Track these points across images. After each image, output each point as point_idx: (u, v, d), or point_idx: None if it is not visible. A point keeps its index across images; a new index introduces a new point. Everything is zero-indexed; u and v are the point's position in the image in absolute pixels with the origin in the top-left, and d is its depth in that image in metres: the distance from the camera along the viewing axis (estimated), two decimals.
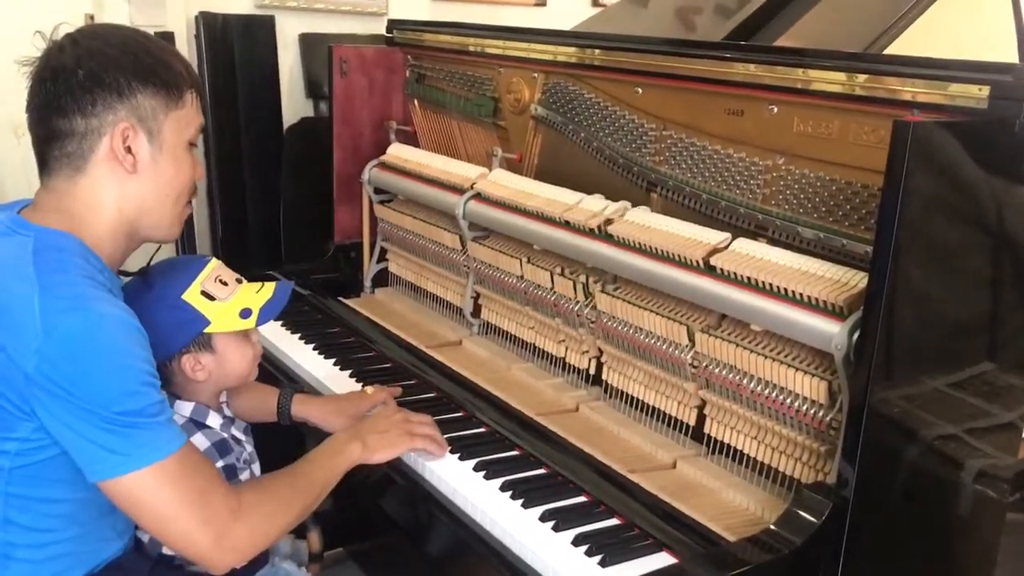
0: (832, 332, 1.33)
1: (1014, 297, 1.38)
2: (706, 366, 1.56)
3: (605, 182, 1.87)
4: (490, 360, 2.03)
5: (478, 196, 2.03)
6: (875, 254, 1.21)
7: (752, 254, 1.50)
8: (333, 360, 2.02)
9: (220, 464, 1.50)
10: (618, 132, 1.85)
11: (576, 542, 1.37)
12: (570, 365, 1.89)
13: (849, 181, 1.45)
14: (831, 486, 1.31)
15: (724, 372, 1.53)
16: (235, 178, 2.76)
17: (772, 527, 1.31)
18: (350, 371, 1.97)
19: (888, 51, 1.76)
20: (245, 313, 1.48)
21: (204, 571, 1.36)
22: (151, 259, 1.50)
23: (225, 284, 1.49)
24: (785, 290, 1.41)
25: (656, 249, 1.62)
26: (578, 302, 1.81)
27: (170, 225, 1.41)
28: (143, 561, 1.42)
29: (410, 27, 2.45)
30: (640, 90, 1.81)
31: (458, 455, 1.61)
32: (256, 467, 1.61)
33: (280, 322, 2.18)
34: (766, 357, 1.46)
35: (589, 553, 1.34)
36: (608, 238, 1.71)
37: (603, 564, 1.32)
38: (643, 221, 1.68)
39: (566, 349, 1.89)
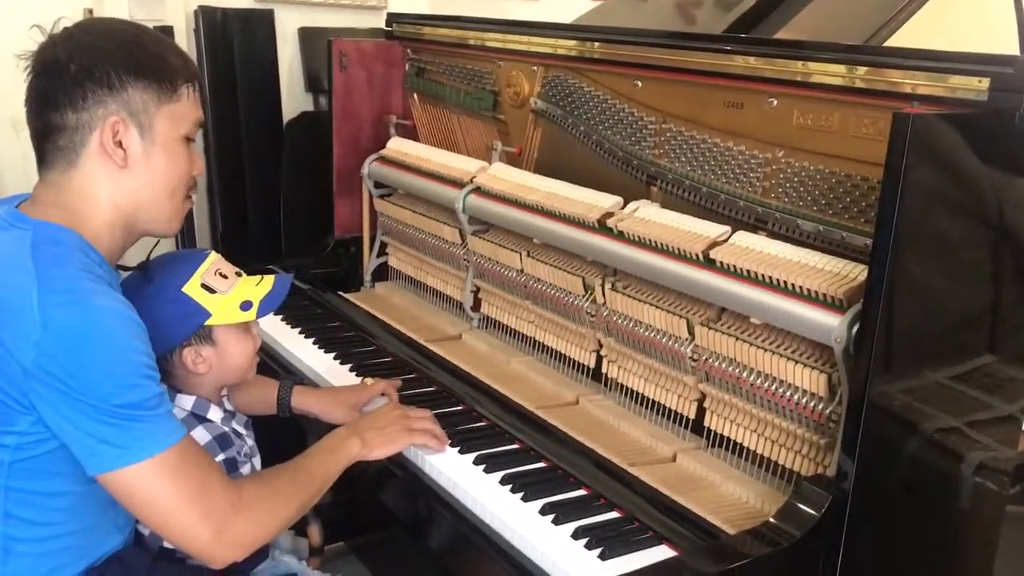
0: (832, 325, 1.33)
1: (1014, 290, 1.38)
2: (706, 359, 1.56)
3: (605, 176, 1.87)
4: (490, 354, 2.03)
5: (478, 190, 2.03)
6: (875, 247, 1.21)
7: (752, 247, 1.49)
8: (333, 354, 2.02)
9: (221, 458, 1.50)
10: (618, 125, 1.85)
11: (576, 535, 1.37)
12: (570, 359, 1.89)
13: (849, 174, 1.45)
14: (831, 479, 1.31)
15: (724, 365, 1.53)
16: (235, 172, 2.75)
17: (772, 520, 1.31)
18: (350, 365, 1.97)
19: (889, 44, 1.76)
20: (246, 305, 1.49)
21: (204, 565, 1.36)
22: (150, 253, 1.50)
23: (225, 277, 1.49)
24: (785, 283, 1.41)
25: (656, 243, 1.62)
26: (578, 296, 1.81)
27: (168, 219, 1.41)
28: (144, 555, 1.42)
29: (409, 21, 2.45)
30: (640, 83, 1.81)
31: (458, 448, 1.61)
32: (257, 461, 1.61)
33: (280, 316, 2.18)
34: (766, 350, 1.46)
35: (589, 546, 1.34)
36: (608, 232, 1.71)
37: (603, 557, 1.32)
38: (643, 215, 1.68)
39: (566, 343, 1.89)
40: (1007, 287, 1.37)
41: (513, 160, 2.11)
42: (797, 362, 1.42)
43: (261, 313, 1.50)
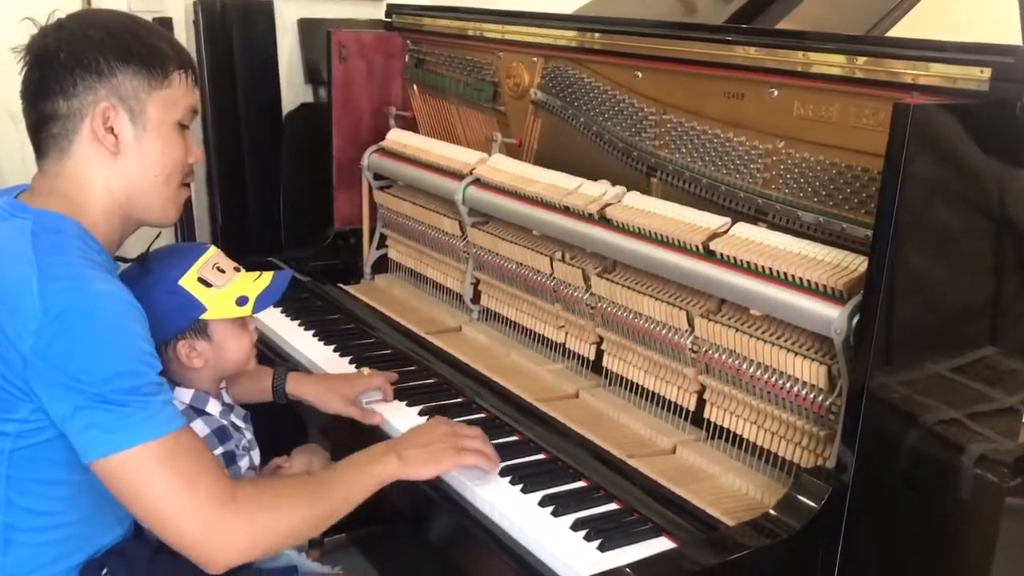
0: (832, 316, 1.32)
1: (1015, 281, 1.38)
2: (706, 351, 1.56)
3: (605, 167, 1.87)
4: (490, 346, 2.03)
5: (477, 182, 2.03)
6: (875, 238, 1.20)
7: (752, 238, 1.49)
8: (333, 346, 2.02)
9: (219, 451, 1.50)
10: (618, 116, 1.85)
11: (575, 527, 1.37)
12: (570, 351, 1.88)
13: (849, 165, 1.44)
14: (830, 470, 1.30)
15: (724, 357, 1.53)
16: (234, 164, 2.75)
17: (771, 511, 1.31)
18: (350, 357, 1.97)
19: (890, 35, 1.75)
20: (241, 301, 1.48)
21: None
22: (150, 245, 1.50)
23: (222, 272, 1.49)
24: (785, 274, 1.41)
25: (656, 234, 1.61)
26: (578, 288, 1.81)
27: (162, 207, 1.40)
28: (144, 547, 1.42)
29: (409, 12, 2.44)
30: (640, 74, 1.80)
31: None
32: (255, 454, 1.61)
33: (280, 308, 2.18)
34: (766, 342, 1.46)
35: (588, 538, 1.34)
36: (607, 223, 1.71)
37: (602, 548, 1.32)
38: (642, 206, 1.68)
39: (566, 335, 1.89)
40: (1008, 278, 1.37)
41: (513, 151, 2.10)
42: (797, 354, 1.42)
43: (257, 309, 1.49)
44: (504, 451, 1.56)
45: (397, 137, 2.34)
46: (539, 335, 1.96)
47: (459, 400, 1.78)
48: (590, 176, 1.84)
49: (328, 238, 2.51)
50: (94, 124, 1.32)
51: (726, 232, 1.53)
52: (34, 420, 1.21)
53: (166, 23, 2.57)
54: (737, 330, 1.50)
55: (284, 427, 1.93)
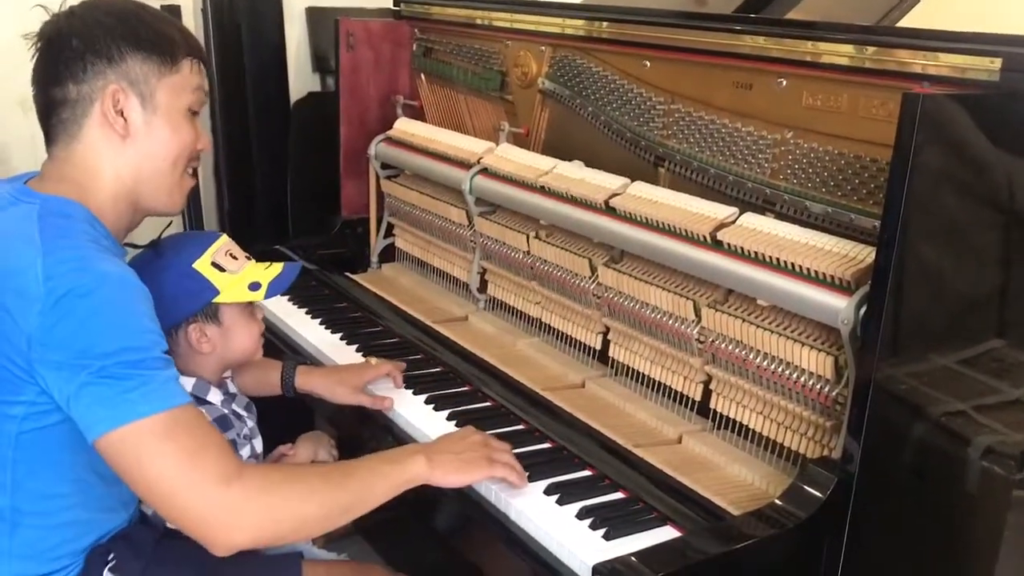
0: (839, 307, 1.32)
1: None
2: (712, 341, 1.56)
3: (613, 156, 1.86)
4: (496, 335, 2.03)
5: (485, 171, 2.03)
6: (883, 229, 1.20)
7: (759, 229, 1.49)
8: (340, 335, 2.02)
9: None
10: (626, 106, 1.84)
11: (580, 515, 1.37)
12: (576, 341, 1.88)
13: (858, 155, 1.44)
14: (837, 461, 1.30)
15: (730, 347, 1.53)
16: (242, 153, 2.75)
17: (777, 501, 1.31)
18: (356, 345, 1.98)
19: (900, 25, 1.74)
20: (254, 286, 1.50)
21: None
22: (161, 233, 1.52)
23: (235, 258, 1.51)
24: (792, 265, 1.40)
25: (663, 224, 1.61)
26: (584, 278, 1.81)
27: (169, 193, 1.41)
28: (150, 532, 1.43)
29: (417, 0, 2.44)
30: (648, 63, 1.80)
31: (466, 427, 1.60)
32: (257, 442, 1.61)
33: (287, 297, 2.19)
34: (772, 332, 1.46)
35: (593, 526, 1.35)
36: (615, 213, 1.70)
37: (607, 537, 1.32)
38: (650, 196, 1.67)
39: (572, 325, 1.89)
40: (1016, 271, 1.36)
41: (520, 141, 2.10)
42: (804, 344, 1.42)
43: (269, 294, 1.51)
44: (510, 440, 1.56)
45: (404, 126, 2.34)
46: (546, 324, 1.96)
47: (466, 389, 1.79)
48: (598, 166, 1.83)
49: (335, 227, 2.51)
50: (104, 107, 1.33)
51: (734, 222, 1.53)
52: (40, 403, 1.22)
53: (175, 11, 2.57)
54: (744, 320, 1.50)
55: (289, 415, 1.94)
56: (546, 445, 1.58)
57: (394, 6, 2.50)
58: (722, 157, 1.65)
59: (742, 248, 1.48)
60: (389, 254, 2.49)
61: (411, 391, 1.76)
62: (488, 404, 1.73)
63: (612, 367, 1.81)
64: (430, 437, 1.58)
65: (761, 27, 1.58)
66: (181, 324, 1.48)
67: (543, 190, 1.87)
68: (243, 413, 1.60)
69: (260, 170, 2.77)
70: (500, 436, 1.56)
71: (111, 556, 1.36)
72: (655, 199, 1.66)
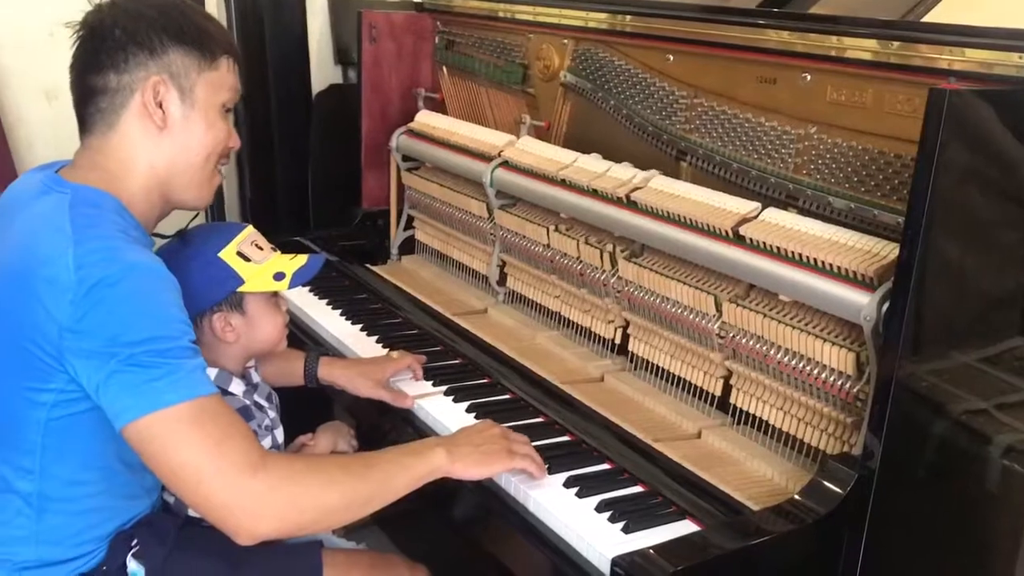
0: (861, 303, 1.32)
1: None
2: (733, 336, 1.56)
3: (634, 150, 1.86)
4: (515, 328, 2.03)
5: (505, 164, 2.03)
6: (907, 225, 1.19)
7: (782, 224, 1.48)
8: (360, 326, 2.03)
9: None
10: (648, 100, 1.84)
11: (599, 508, 1.37)
12: (596, 334, 1.89)
13: (882, 151, 1.43)
14: (857, 457, 1.30)
15: (751, 342, 1.52)
16: (264, 144, 2.76)
17: (796, 497, 1.31)
18: (376, 337, 1.99)
19: (927, 19, 1.73)
20: (279, 276, 1.51)
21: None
22: (188, 224, 1.53)
23: (260, 249, 1.52)
24: (814, 260, 1.40)
25: (685, 218, 1.61)
26: (604, 271, 1.81)
27: (199, 187, 1.43)
28: (173, 519, 1.44)
29: None
30: (671, 57, 1.79)
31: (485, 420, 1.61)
32: (279, 432, 1.62)
33: (308, 288, 2.20)
34: (794, 328, 1.46)
35: (612, 519, 1.35)
36: (636, 207, 1.70)
37: (626, 530, 1.33)
38: (671, 190, 1.67)
39: (592, 318, 1.89)
40: None
41: (542, 134, 2.10)
42: (825, 340, 1.42)
43: (293, 284, 1.52)
44: (529, 432, 1.56)
45: (426, 119, 2.35)
46: (565, 318, 1.96)
47: (485, 381, 1.79)
48: (619, 159, 1.83)
49: (356, 218, 2.52)
50: (145, 97, 1.34)
51: (756, 217, 1.53)
52: (69, 391, 1.23)
53: (199, 2, 2.58)
54: (765, 316, 1.50)
55: (309, 405, 1.95)
56: (565, 438, 1.59)
57: None
58: (745, 152, 1.65)
59: (764, 243, 1.47)
60: (409, 246, 2.50)
61: (431, 383, 1.77)
62: (507, 397, 1.73)
63: (631, 361, 1.81)
64: (450, 429, 1.59)
65: (785, 21, 1.57)
66: (206, 313, 1.50)
67: (564, 183, 1.87)
68: (265, 403, 1.61)
69: (282, 162, 2.78)
70: (519, 429, 1.57)
71: (134, 542, 1.37)
72: (677, 193, 1.66)
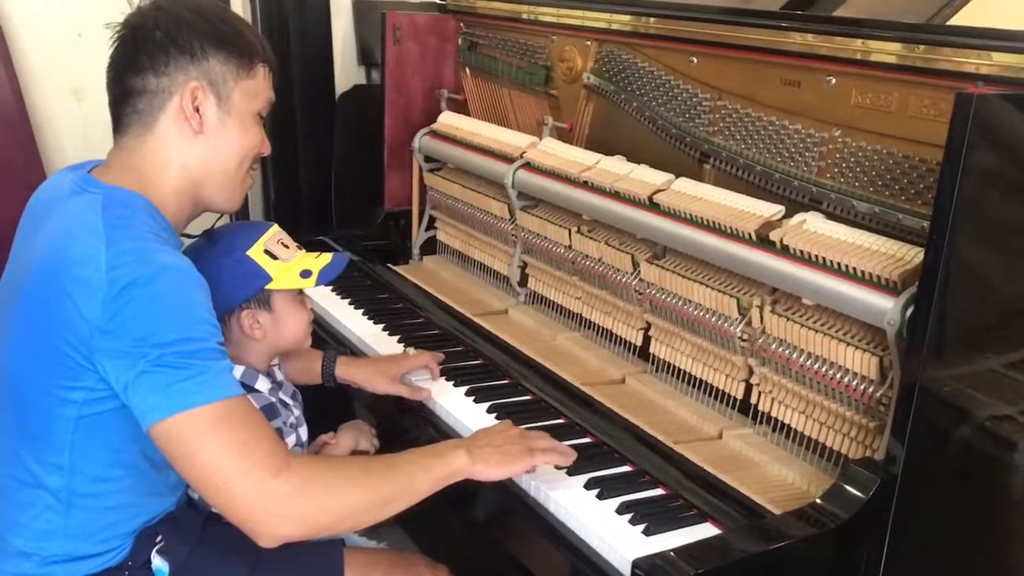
0: (885, 307, 1.31)
1: None
2: (755, 339, 1.55)
3: (657, 152, 1.86)
4: (536, 329, 2.03)
5: (527, 165, 2.03)
6: (932, 230, 1.19)
7: (806, 227, 1.48)
8: (382, 325, 2.04)
9: None
10: (672, 102, 1.84)
11: (620, 510, 1.38)
12: (617, 336, 1.89)
13: (907, 155, 1.42)
14: (879, 462, 1.30)
15: (774, 346, 1.52)
16: (288, 145, 2.78)
17: (818, 501, 1.30)
18: (398, 336, 2.00)
19: (952, 23, 1.72)
20: (305, 273, 1.53)
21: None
22: (214, 224, 1.55)
23: (287, 247, 1.55)
24: (838, 264, 1.40)
25: (707, 221, 1.61)
26: (626, 273, 1.81)
27: (231, 190, 1.45)
28: (197, 516, 1.46)
29: None
30: (695, 59, 1.79)
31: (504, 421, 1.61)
32: (303, 431, 1.64)
33: (331, 288, 2.21)
34: (817, 331, 1.45)
35: (633, 521, 1.35)
36: (659, 209, 1.70)
37: (647, 533, 1.33)
38: (694, 192, 1.67)
39: (613, 320, 1.89)
40: None
41: (564, 135, 2.10)
42: (848, 344, 1.41)
43: (320, 281, 1.54)
44: (550, 433, 1.55)
45: (448, 120, 2.35)
46: (586, 319, 1.96)
47: (506, 382, 1.80)
48: (642, 161, 1.83)
49: (378, 219, 2.53)
50: (183, 102, 1.36)
51: (779, 220, 1.52)
52: (99, 389, 1.25)
53: (224, 3, 2.60)
54: (788, 319, 1.49)
55: (331, 404, 1.96)
56: (586, 440, 1.59)
57: (440, 0, 2.51)
58: (769, 154, 1.64)
59: (788, 246, 1.47)
60: (431, 246, 2.51)
61: (451, 383, 1.78)
62: (528, 397, 1.74)
63: (653, 363, 1.81)
64: (470, 429, 1.59)
65: (810, 24, 1.57)
66: (234, 311, 1.52)
67: (586, 185, 1.87)
68: (290, 402, 1.63)
69: (305, 162, 2.80)
70: (540, 430, 1.57)
71: (159, 539, 1.39)
72: (700, 196, 1.65)
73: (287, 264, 1.52)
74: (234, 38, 1.39)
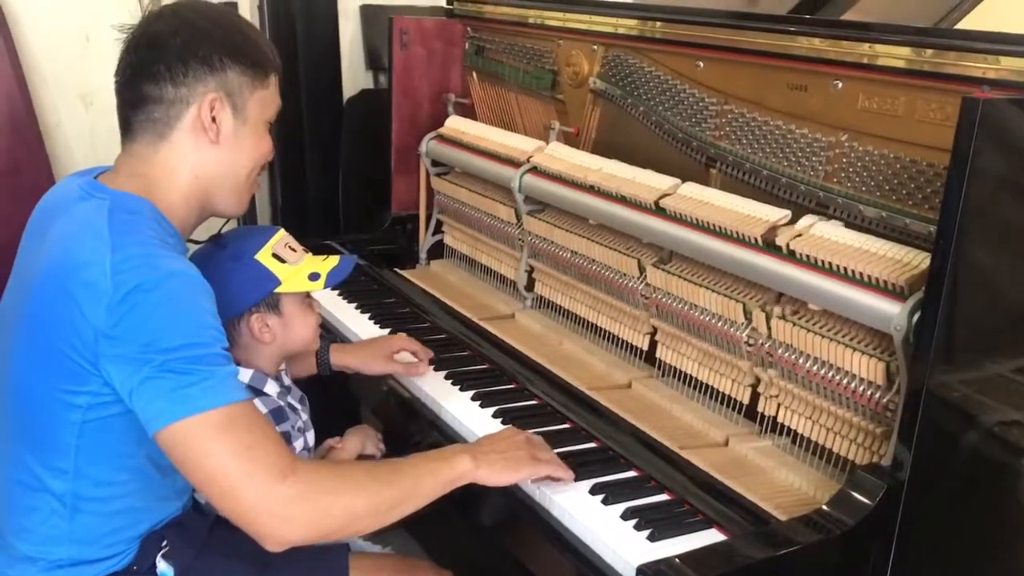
0: (892, 313, 1.31)
1: None
2: (761, 345, 1.55)
3: (664, 157, 1.86)
4: (543, 334, 2.03)
5: (534, 170, 2.03)
6: (939, 234, 1.18)
7: (812, 232, 1.47)
8: (389, 330, 2.04)
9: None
10: (678, 106, 1.83)
11: (625, 516, 1.37)
12: (623, 341, 1.88)
13: (914, 159, 1.42)
14: (886, 468, 1.29)
15: (780, 351, 1.52)
16: (295, 149, 2.78)
17: (824, 507, 1.30)
18: None
19: (960, 26, 1.71)
20: (314, 276, 1.54)
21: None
22: (221, 228, 1.55)
23: (294, 251, 1.55)
24: (845, 269, 1.39)
25: (714, 226, 1.60)
26: (633, 278, 1.80)
27: (239, 196, 1.45)
28: (203, 520, 1.46)
29: None
30: (701, 64, 1.79)
31: (509, 427, 1.61)
32: (310, 435, 1.64)
33: (337, 291, 2.22)
34: (823, 337, 1.45)
35: (638, 527, 1.35)
36: (665, 213, 1.70)
37: (652, 539, 1.32)
38: (701, 197, 1.67)
39: (620, 325, 1.89)
40: None
41: (571, 140, 2.10)
42: (855, 350, 1.41)
43: (328, 283, 1.55)
44: (555, 438, 1.56)
45: (455, 124, 2.36)
46: (592, 324, 1.96)
47: (512, 386, 1.79)
48: (648, 166, 1.83)
49: (385, 223, 2.53)
50: (201, 112, 1.36)
51: (786, 225, 1.52)
52: (103, 394, 1.25)
53: (232, 7, 2.61)
54: (794, 324, 1.49)
55: (337, 409, 1.97)
56: (592, 444, 1.59)
57: (447, 4, 2.51)
58: (775, 159, 1.64)
59: (794, 251, 1.46)
60: (438, 251, 2.51)
61: (457, 387, 1.77)
62: (534, 402, 1.73)
63: (659, 368, 1.80)
64: (476, 434, 1.59)
65: (817, 28, 1.56)
66: (243, 315, 1.52)
67: (593, 189, 1.87)
68: (297, 406, 1.63)
69: (312, 166, 2.81)
70: (546, 435, 1.57)
71: (165, 543, 1.39)
72: (706, 200, 1.65)
73: (295, 267, 1.53)
74: (250, 49, 1.39)
